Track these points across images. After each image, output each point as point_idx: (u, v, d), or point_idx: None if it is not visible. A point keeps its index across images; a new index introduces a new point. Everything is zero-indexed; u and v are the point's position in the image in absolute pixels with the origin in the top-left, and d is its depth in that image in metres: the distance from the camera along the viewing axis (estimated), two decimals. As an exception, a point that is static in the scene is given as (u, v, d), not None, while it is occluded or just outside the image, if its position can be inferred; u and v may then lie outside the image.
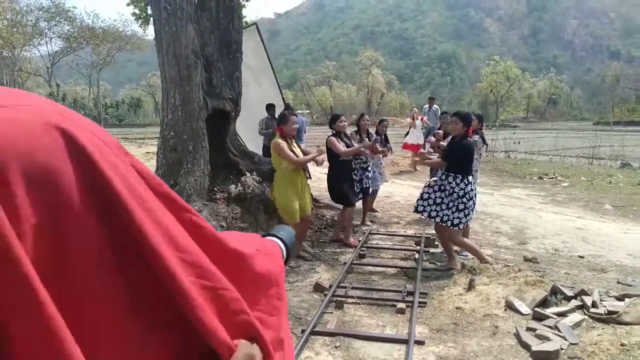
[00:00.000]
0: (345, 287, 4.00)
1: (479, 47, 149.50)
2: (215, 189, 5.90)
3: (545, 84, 67.55)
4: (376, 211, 7.18)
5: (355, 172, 5.58)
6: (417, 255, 4.87)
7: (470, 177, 4.35)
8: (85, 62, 44.61)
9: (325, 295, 3.80)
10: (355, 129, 6.06)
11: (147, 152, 13.88)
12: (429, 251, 5.15)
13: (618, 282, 4.22)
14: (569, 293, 3.70)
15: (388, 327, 3.38)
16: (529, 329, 3.23)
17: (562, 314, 3.43)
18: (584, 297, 3.61)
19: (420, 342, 3.09)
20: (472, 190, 4.34)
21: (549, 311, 3.47)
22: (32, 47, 38.39)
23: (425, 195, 4.46)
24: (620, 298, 3.63)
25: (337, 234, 5.56)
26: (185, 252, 0.43)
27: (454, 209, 4.28)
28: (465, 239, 4.73)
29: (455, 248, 4.80)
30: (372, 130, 6.63)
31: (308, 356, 2.93)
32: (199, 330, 0.43)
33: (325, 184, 5.62)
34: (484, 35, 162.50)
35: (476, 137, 4.93)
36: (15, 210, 0.32)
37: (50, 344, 0.33)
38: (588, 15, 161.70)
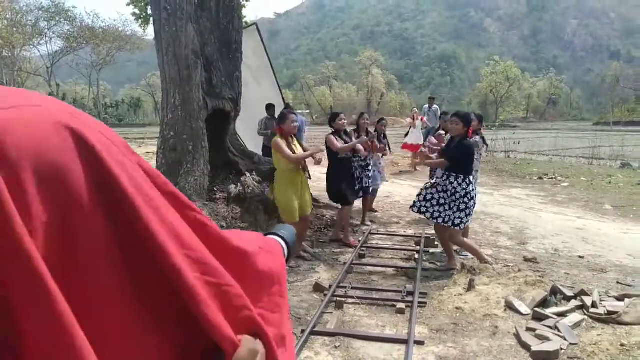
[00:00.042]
0: (345, 287, 4.00)
1: (479, 47, 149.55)
2: (215, 189, 5.90)
3: (545, 84, 67.57)
4: (376, 211, 7.18)
5: (355, 170, 5.59)
6: (417, 256, 4.87)
7: (471, 177, 4.36)
8: (85, 62, 44.63)
9: (325, 295, 3.80)
10: (355, 128, 6.06)
11: (147, 152, 13.87)
12: (428, 251, 5.15)
13: (618, 283, 4.22)
14: (569, 293, 3.70)
15: (388, 327, 3.38)
16: (528, 329, 3.23)
17: (562, 314, 3.43)
18: (584, 298, 3.61)
19: (420, 342, 3.08)
20: (473, 190, 4.35)
21: (548, 311, 3.47)
22: (32, 47, 38.42)
23: (429, 197, 4.46)
24: (620, 298, 3.63)
25: (336, 234, 5.56)
26: (190, 249, 0.44)
27: (455, 208, 4.28)
28: (465, 239, 4.73)
29: (455, 248, 4.80)
30: (372, 129, 6.63)
31: (308, 356, 2.93)
32: (204, 325, 0.44)
33: (325, 184, 5.62)
34: (484, 35, 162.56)
35: (477, 138, 4.94)
36: (26, 208, 0.33)
37: (61, 340, 0.34)
38: (588, 16, 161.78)
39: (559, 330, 3.18)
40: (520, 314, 3.50)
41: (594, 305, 3.50)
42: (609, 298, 3.65)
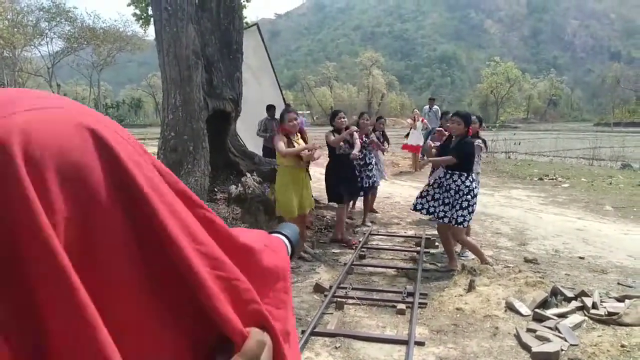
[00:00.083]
0: (345, 288, 4.00)
1: (480, 48, 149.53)
2: (216, 190, 5.91)
3: (546, 85, 67.54)
4: (376, 212, 7.18)
5: (356, 168, 5.63)
6: (417, 256, 4.87)
7: (473, 175, 4.41)
8: (85, 63, 44.63)
9: (326, 296, 3.81)
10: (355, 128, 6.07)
11: (148, 153, 13.86)
12: (429, 252, 5.15)
13: (618, 284, 4.22)
14: (569, 294, 3.70)
15: (388, 328, 3.38)
16: (529, 330, 3.23)
17: (562, 315, 3.43)
18: (584, 298, 3.61)
19: (420, 343, 3.09)
20: (476, 187, 4.40)
21: (549, 312, 3.47)
22: (32, 47, 38.41)
23: (437, 196, 4.47)
24: (620, 299, 3.63)
25: (337, 235, 5.56)
26: (201, 244, 0.45)
27: (457, 207, 4.30)
28: (468, 238, 4.74)
29: (456, 249, 4.80)
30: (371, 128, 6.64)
31: (308, 357, 2.93)
32: (214, 318, 0.45)
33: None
34: (484, 36, 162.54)
35: (479, 141, 4.98)
36: (50, 204, 0.35)
37: (84, 334, 0.35)
38: (588, 16, 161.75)
39: (559, 331, 3.18)
40: (521, 314, 3.50)
41: (594, 306, 3.50)
42: (610, 299, 3.65)
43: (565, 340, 3.06)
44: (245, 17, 9.75)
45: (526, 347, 3.01)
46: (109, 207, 0.39)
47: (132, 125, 42.91)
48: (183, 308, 0.45)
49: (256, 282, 0.52)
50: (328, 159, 5.50)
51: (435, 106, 12.76)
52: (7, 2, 32.61)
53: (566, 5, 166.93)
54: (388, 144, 6.91)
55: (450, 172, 4.37)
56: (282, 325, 0.57)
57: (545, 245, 5.54)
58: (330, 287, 3.96)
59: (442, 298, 3.86)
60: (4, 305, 0.34)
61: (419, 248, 5.18)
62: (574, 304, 3.60)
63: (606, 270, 4.63)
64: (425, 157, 6.12)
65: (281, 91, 10.60)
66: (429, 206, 4.52)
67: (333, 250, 5.24)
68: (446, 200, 4.37)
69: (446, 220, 4.36)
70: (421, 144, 11.54)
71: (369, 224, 6.45)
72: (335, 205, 5.72)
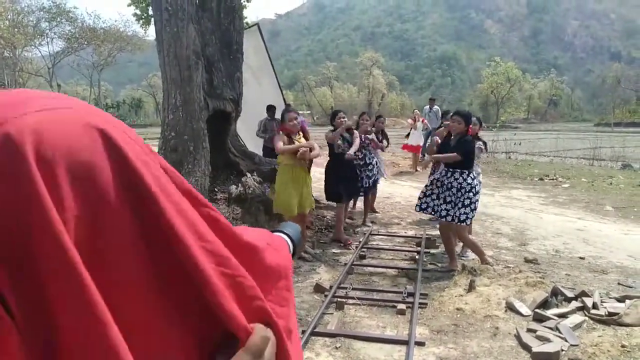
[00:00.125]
0: (345, 288, 4.00)
1: (480, 48, 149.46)
2: (216, 190, 5.91)
3: (546, 85, 67.48)
4: (377, 212, 7.18)
5: (356, 168, 5.64)
6: (417, 256, 4.87)
7: (473, 172, 4.43)
8: (86, 63, 44.63)
9: (326, 296, 3.81)
10: (356, 127, 6.08)
11: (148, 153, 13.86)
12: (429, 252, 5.15)
13: (619, 284, 4.22)
14: (570, 294, 3.70)
15: (388, 328, 3.38)
16: (529, 330, 3.23)
17: (562, 315, 3.43)
18: (585, 299, 3.61)
19: (420, 343, 3.08)
20: (477, 184, 4.42)
21: (549, 312, 3.47)
22: (33, 47, 38.42)
23: (441, 196, 4.48)
24: (620, 299, 3.63)
25: (337, 235, 5.57)
26: (207, 241, 0.46)
27: (460, 204, 4.32)
28: (471, 237, 4.75)
29: (456, 249, 4.80)
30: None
31: (308, 357, 2.93)
32: (219, 314, 0.46)
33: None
34: (484, 36, 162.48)
35: (480, 143, 5.00)
36: (60, 201, 0.36)
37: (94, 329, 0.36)
38: (588, 17, 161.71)
39: (559, 332, 3.18)
40: (521, 315, 3.50)
41: (594, 306, 3.50)
42: (610, 299, 3.65)
43: (566, 341, 3.06)
44: (246, 17, 9.75)
45: (526, 347, 3.01)
46: (117, 206, 0.39)
47: (133, 126, 42.61)
48: (189, 306, 0.46)
49: (259, 279, 0.53)
50: (328, 158, 5.51)
51: (436, 106, 12.76)
52: (7, 3, 32.63)
53: (566, 6, 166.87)
54: (388, 142, 6.92)
55: (451, 170, 4.39)
56: (284, 322, 0.57)
57: (545, 245, 5.54)
58: (331, 287, 3.96)
59: (442, 298, 3.86)
60: (16, 300, 0.35)
61: (419, 248, 5.18)
62: (574, 304, 3.60)
63: (606, 270, 4.62)
64: (426, 156, 6.12)
65: (281, 91, 10.60)
66: (434, 205, 4.53)
67: (333, 251, 5.24)
68: (447, 199, 4.38)
69: (449, 218, 4.37)
70: (421, 144, 11.55)
71: (369, 224, 6.45)
72: (335, 205, 5.73)
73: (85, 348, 0.36)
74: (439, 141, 4.84)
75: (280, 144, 4.59)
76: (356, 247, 5.19)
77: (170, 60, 5.41)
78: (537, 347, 2.97)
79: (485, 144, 5.39)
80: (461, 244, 5.07)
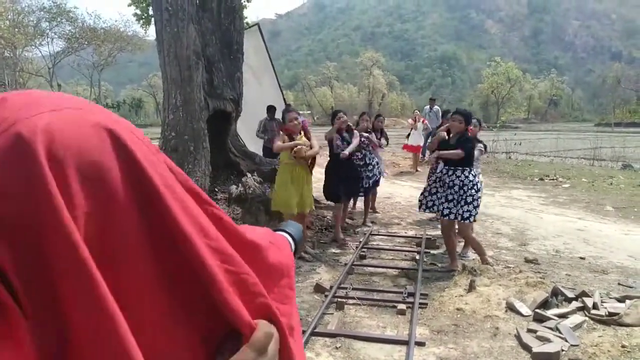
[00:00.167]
0: (345, 288, 4.00)
1: (480, 48, 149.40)
2: (216, 190, 5.91)
3: (546, 85, 67.43)
4: (377, 212, 7.18)
5: (356, 167, 5.65)
6: (417, 257, 4.87)
7: (474, 170, 4.46)
8: (86, 63, 44.63)
9: (326, 296, 3.81)
10: (356, 127, 6.09)
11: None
12: (429, 252, 5.15)
13: (619, 284, 4.22)
14: (570, 294, 3.70)
15: (389, 328, 3.38)
16: (529, 331, 3.23)
17: (562, 316, 3.43)
18: (585, 299, 3.61)
19: (420, 344, 3.08)
20: (478, 182, 4.44)
21: (549, 312, 3.47)
22: (33, 47, 38.40)
23: (443, 194, 4.49)
24: (621, 300, 3.63)
25: (335, 235, 5.57)
26: (212, 239, 0.47)
27: (462, 202, 4.33)
28: (474, 236, 4.75)
29: (457, 249, 4.80)
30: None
31: (309, 357, 2.93)
32: (224, 311, 0.47)
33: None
34: (484, 36, 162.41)
35: (480, 145, 5.01)
36: (70, 199, 0.37)
37: (104, 326, 0.37)
38: (589, 17, 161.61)
39: (559, 332, 3.18)
40: (521, 315, 3.49)
41: (595, 306, 3.50)
42: (610, 299, 3.65)
43: (566, 341, 3.06)
44: (246, 17, 9.75)
45: (527, 348, 3.01)
46: (126, 205, 0.40)
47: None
48: (195, 304, 0.46)
49: (262, 277, 0.54)
50: (329, 158, 5.52)
51: (436, 106, 12.77)
52: (8, 3, 32.63)
53: (567, 6, 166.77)
54: (387, 141, 6.92)
55: (452, 168, 4.40)
56: (287, 320, 0.58)
57: (545, 245, 5.54)
58: (331, 287, 3.96)
59: (442, 298, 3.86)
60: (28, 296, 0.36)
61: (419, 248, 5.18)
62: (575, 304, 3.60)
63: (607, 270, 4.62)
64: (427, 155, 6.12)
65: (282, 91, 10.60)
66: (438, 203, 4.54)
67: (333, 251, 5.24)
68: (449, 197, 4.39)
69: (452, 216, 4.37)
70: (421, 144, 11.56)
71: (370, 224, 6.46)
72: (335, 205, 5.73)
73: (94, 343, 0.37)
74: (446, 137, 4.72)
75: (277, 142, 4.61)
76: (356, 247, 5.19)
77: (170, 60, 5.42)
78: (538, 347, 2.97)
79: (485, 147, 5.40)
80: (462, 244, 5.07)
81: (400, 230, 6.24)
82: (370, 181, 6.19)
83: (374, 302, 3.82)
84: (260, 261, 0.57)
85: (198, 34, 5.60)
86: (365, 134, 6.10)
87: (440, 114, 10.57)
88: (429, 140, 7.96)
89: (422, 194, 4.75)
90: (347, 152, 5.31)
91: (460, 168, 4.37)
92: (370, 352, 3.01)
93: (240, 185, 5.77)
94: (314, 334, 3.18)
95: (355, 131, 5.66)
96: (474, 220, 4.49)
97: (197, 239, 0.44)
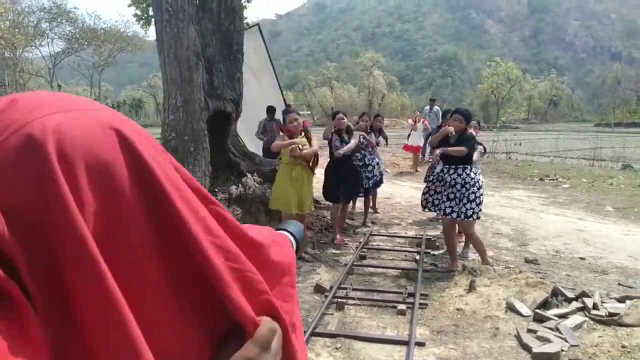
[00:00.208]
0: (346, 289, 4.00)
1: (480, 48, 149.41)
2: (216, 190, 5.91)
3: (546, 85, 67.45)
4: (377, 212, 7.18)
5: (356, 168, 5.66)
6: (417, 257, 4.87)
7: (473, 168, 4.46)
8: (86, 63, 44.64)
9: (326, 296, 3.81)
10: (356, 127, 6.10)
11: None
12: (429, 252, 5.15)
13: (619, 284, 4.22)
14: (570, 295, 3.70)
15: (389, 329, 3.38)
16: (529, 331, 3.23)
17: (563, 316, 3.43)
18: (585, 299, 3.61)
19: (420, 344, 3.09)
20: (480, 179, 4.44)
21: (549, 313, 3.47)
22: (33, 48, 38.39)
23: (444, 193, 4.49)
24: (621, 300, 3.63)
25: (334, 235, 5.58)
26: (216, 237, 0.48)
27: (465, 200, 4.33)
28: (477, 235, 4.75)
29: (457, 250, 4.80)
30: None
31: (309, 357, 2.93)
32: (229, 307, 0.48)
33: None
34: (485, 36, 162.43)
35: (480, 147, 5.02)
36: (80, 199, 0.38)
37: (112, 318, 0.38)
38: (589, 17, 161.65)
39: (560, 332, 3.18)
40: (521, 315, 3.50)
41: (595, 306, 3.50)
42: (610, 299, 3.65)
43: (566, 341, 3.06)
44: (246, 18, 9.76)
45: (527, 348, 3.01)
46: (134, 204, 0.41)
47: (133, 126, 42.75)
48: (201, 301, 0.47)
49: (265, 275, 0.55)
50: (329, 159, 5.52)
51: (436, 107, 12.78)
52: (8, 3, 32.65)
53: (567, 6, 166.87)
54: (386, 141, 6.93)
55: (453, 167, 4.40)
56: (289, 317, 0.59)
57: (545, 245, 5.54)
58: (331, 287, 3.96)
59: (442, 299, 3.86)
60: (38, 291, 0.36)
61: (419, 249, 5.18)
62: (575, 304, 3.60)
63: (607, 270, 4.62)
64: (428, 154, 6.12)
65: (282, 91, 10.61)
66: (440, 202, 4.54)
67: (333, 251, 5.25)
68: (451, 196, 4.39)
69: (454, 215, 4.37)
70: (421, 144, 11.57)
71: (370, 224, 6.46)
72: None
73: (103, 336, 0.38)
74: (453, 131, 4.61)
75: (276, 141, 4.63)
76: (356, 248, 5.19)
77: (170, 60, 5.42)
78: (538, 347, 2.97)
79: (485, 149, 5.41)
80: (462, 244, 5.07)
81: (400, 231, 6.24)
82: (370, 182, 6.19)
83: (374, 302, 3.82)
84: (263, 259, 0.58)
85: (198, 35, 5.60)
86: (362, 134, 6.10)
87: (440, 115, 10.57)
88: (428, 141, 7.98)
89: (425, 193, 4.75)
90: (342, 152, 5.24)
91: (461, 166, 4.38)
92: (371, 352, 3.01)
93: (240, 185, 5.78)
94: (314, 334, 3.18)
95: (355, 132, 5.67)
96: (478, 218, 4.49)
97: (203, 237, 0.45)
